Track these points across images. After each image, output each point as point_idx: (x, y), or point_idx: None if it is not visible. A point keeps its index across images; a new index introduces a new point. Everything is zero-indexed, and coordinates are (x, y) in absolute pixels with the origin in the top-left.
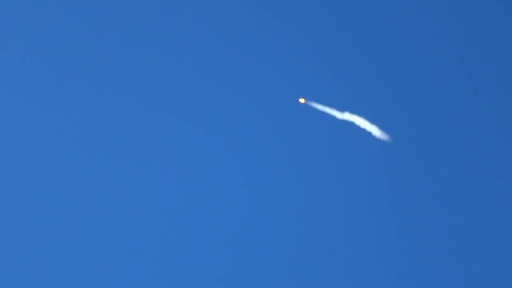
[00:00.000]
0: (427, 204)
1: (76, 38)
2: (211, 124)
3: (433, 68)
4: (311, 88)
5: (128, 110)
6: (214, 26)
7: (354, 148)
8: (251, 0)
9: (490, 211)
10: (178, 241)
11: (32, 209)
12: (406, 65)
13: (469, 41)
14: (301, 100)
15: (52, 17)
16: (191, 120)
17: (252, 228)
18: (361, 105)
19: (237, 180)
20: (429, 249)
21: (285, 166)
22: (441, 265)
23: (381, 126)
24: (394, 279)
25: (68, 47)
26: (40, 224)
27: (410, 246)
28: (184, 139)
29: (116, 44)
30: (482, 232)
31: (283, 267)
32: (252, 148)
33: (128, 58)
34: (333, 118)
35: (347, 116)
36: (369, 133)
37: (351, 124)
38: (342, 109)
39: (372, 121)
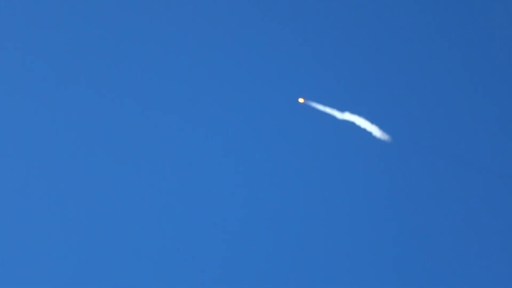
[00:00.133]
0: (427, 204)
1: (76, 38)
2: (211, 124)
3: (433, 68)
4: (311, 88)
5: (128, 110)
6: (213, 26)
7: (354, 148)
8: (251, 0)
9: (490, 211)
10: (177, 241)
11: (32, 209)
12: (406, 65)
13: (469, 41)
14: (300, 100)
15: (52, 17)
16: (190, 120)
17: (252, 228)
18: (361, 105)
19: (237, 180)
20: (429, 249)
21: (285, 166)
22: (441, 265)
23: (381, 126)
24: (394, 279)
25: (68, 47)
26: (40, 224)
27: (410, 246)
28: (184, 139)
29: (116, 44)
30: (482, 232)
31: (283, 267)
32: (252, 148)
33: (128, 58)
34: (333, 118)
35: (347, 116)
36: (369, 133)
37: (351, 124)
38: (342, 109)
39: (372, 121)
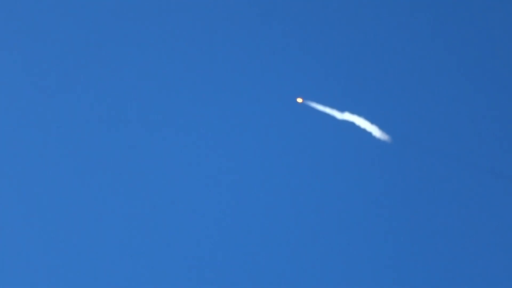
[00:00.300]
0: (427, 204)
1: (76, 39)
2: (210, 124)
3: (433, 68)
4: (310, 88)
5: (128, 109)
6: (213, 26)
7: (354, 148)
8: (251, 0)
9: (490, 211)
10: (177, 241)
11: (33, 209)
12: (406, 65)
13: (469, 41)
14: (299, 100)
15: (52, 17)
16: (189, 120)
17: (252, 228)
18: (361, 105)
19: (237, 180)
20: (429, 249)
21: (285, 166)
22: (441, 265)
23: (381, 126)
24: (394, 278)
25: (68, 48)
26: (41, 224)
27: (410, 246)
28: (183, 139)
29: (116, 44)
30: (482, 232)
31: (283, 267)
32: (251, 148)
33: (128, 58)
34: (333, 118)
35: (347, 116)
36: (369, 133)
37: (351, 124)
38: (342, 109)
39: (372, 121)
